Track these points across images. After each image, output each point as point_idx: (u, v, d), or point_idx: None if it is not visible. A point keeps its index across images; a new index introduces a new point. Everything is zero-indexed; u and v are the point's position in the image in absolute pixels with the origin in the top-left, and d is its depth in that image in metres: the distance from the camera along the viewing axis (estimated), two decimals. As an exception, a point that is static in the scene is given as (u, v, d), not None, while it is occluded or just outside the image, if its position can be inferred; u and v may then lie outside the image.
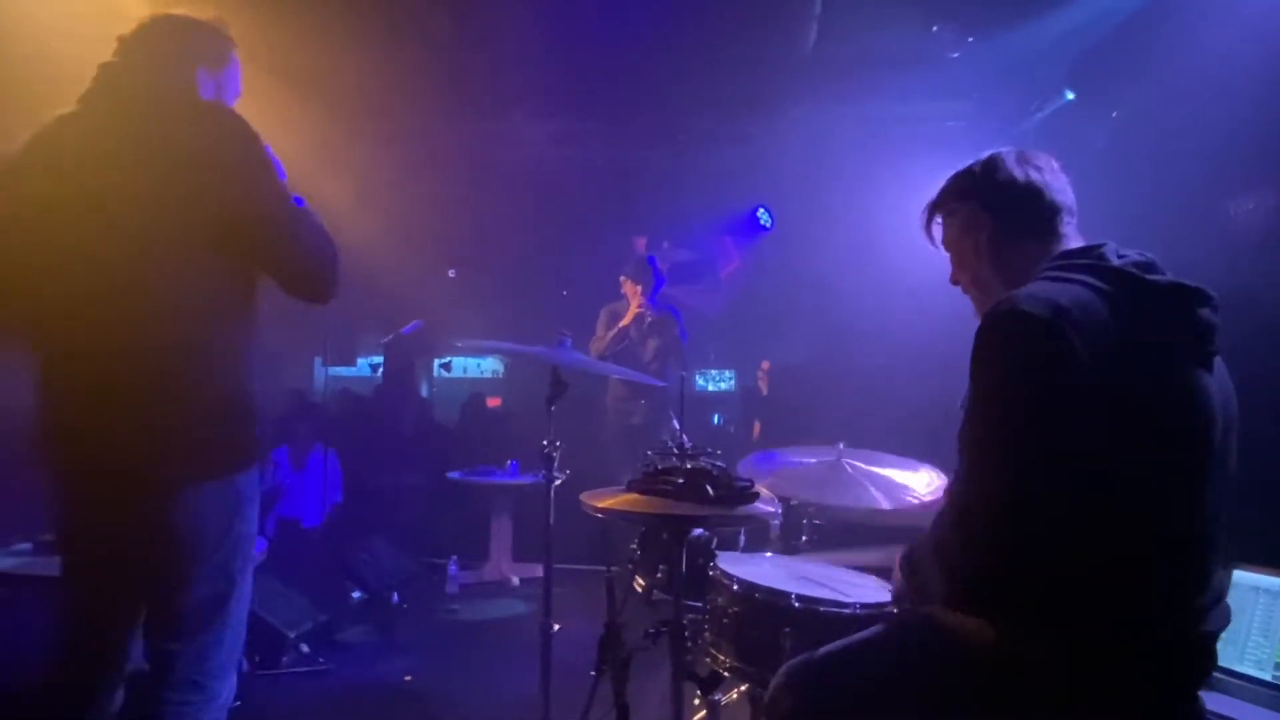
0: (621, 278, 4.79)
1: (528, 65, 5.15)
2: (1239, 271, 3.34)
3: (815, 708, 1.65)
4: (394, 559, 4.46)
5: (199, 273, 1.73)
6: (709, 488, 1.75)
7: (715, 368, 8.73)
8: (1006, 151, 1.66)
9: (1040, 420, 1.34)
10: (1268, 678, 2.15)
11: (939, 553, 1.49)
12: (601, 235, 6.73)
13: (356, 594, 4.06)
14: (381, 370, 7.35)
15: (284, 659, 3.45)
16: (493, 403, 7.90)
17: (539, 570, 5.20)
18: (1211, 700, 2.01)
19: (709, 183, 6.03)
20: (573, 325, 5.36)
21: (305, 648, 3.56)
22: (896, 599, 1.74)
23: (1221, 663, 2.24)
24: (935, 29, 3.78)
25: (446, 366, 8.50)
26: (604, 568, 4.55)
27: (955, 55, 3.92)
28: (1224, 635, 2.06)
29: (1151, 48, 3.48)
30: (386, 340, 5.04)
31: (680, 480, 1.79)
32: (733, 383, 8.51)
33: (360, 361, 8.60)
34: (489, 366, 9.44)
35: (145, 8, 2.04)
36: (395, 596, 4.10)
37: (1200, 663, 1.48)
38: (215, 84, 1.93)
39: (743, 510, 1.81)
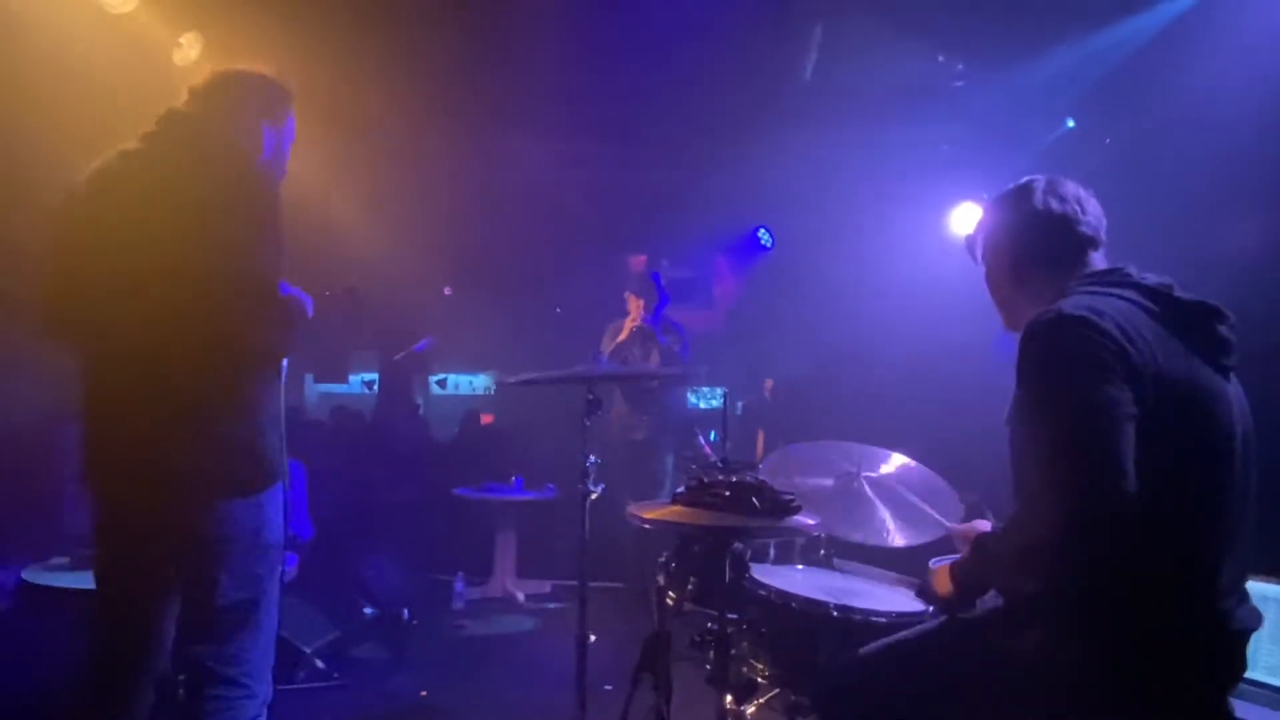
0: (626, 294, 4.87)
1: (532, 87, 5.24)
2: (1239, 293, 3.47)
3: (857, 706, 1.72)
4: (401, 575, 4.48)
5: (220, 320, 1.83)
6: (755, 500, 1.82)
7: (706, 385, 8.83)
8: (1039, 179, 1.77)
9: (1108, 409, 1.39)
10: (1279, 683, 2.25)
11: (1018, 538, 1.52)
12: (599, 254, 6.82)
13: (368, 610, 4.07)
14: (378, 387, 7.37)
15: (300, 674, 3.46)
16: (486, 419, 7.94)
17: (545, 587, 5.27)
18: (1239, 709, 2.10)
19: (709, 203, 6.15)
20: (570, 342, 5.43)
21: (320, 663, 3.57)
22: (936, 603, 1.79)
23: (1236, 670, 2.34)
24: (941, 59, 3.92)
25: (442, 383, 8.55)
26: (616, 584, 4.59)
27: (959, 84, 4.06)
28: None
29: (1152, 78, 3.62)
30: (398, 357, 5.06)
31: (727, 493, 1.86)
32: (722, 401, 8.59)
33: (352, 379, 8.63)
34: (481, 384, 9.48)
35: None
36: (405, 613, 4.11)
37: (1234, 661, 1.56)
38: (277, 135, 2.08)
39: (786, 522, 1.88)
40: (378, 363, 7.34)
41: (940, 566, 1.72)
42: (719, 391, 8.95)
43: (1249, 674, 2.28)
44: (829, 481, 2.74)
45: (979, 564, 1.62)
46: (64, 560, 2.60)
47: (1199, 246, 3.63)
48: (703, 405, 9.00)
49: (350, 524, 5.02)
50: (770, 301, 6.55)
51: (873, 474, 2.66)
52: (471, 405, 8.14)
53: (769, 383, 5.54)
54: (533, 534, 5.32)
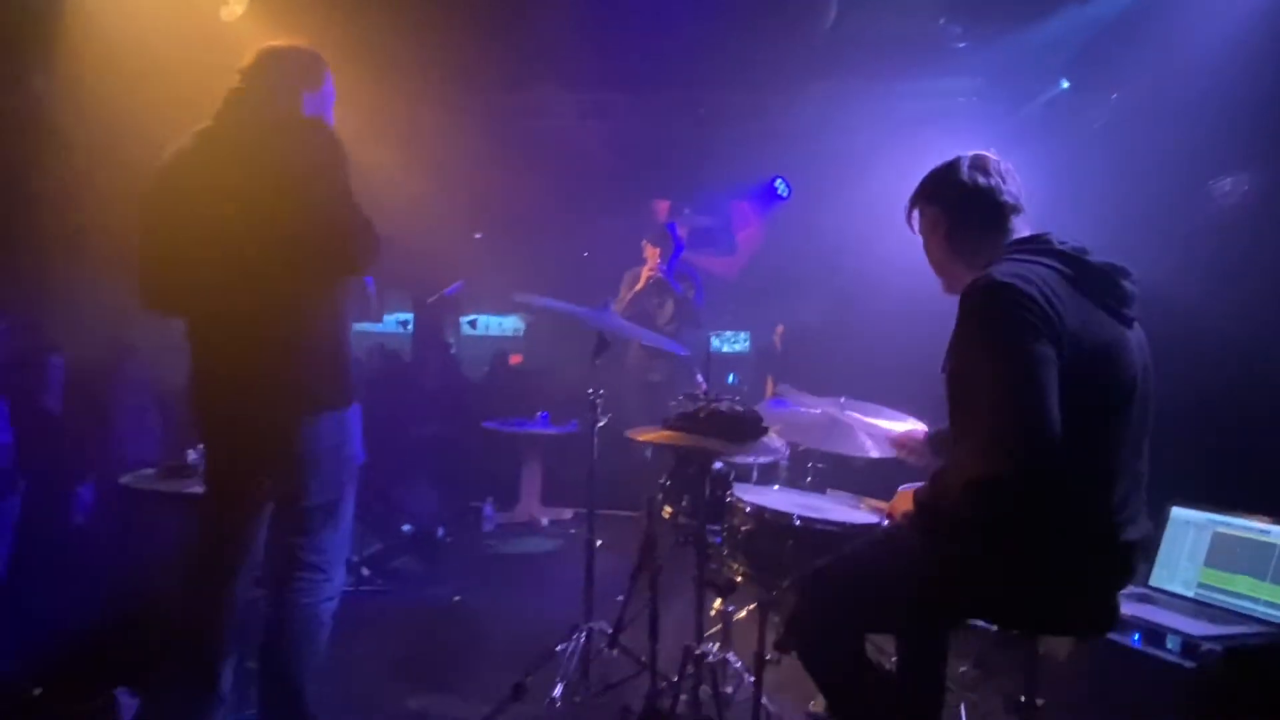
0: (643, 242, 5.21)
1: (557, 41, 5.50)
2: (1230, 245, 3.70)
3: (814, 608, 2.10)
4: (436, 499, 4.98)
5: (299, 258, 2.21)
6: (729, 424, 2.22)
7: (731, 329, 9.17)
8: (964, 158, 2.07)
9: (1037, 365, 1.69)
10: (1191, 595, 2.63)
11: (964, 473, 1.78)
12: (624, 201, 7.13)
13: (406, 528, 4.59)
14: (413, 327, 7.83)
15: (350, 579, 3.98)
16: (515, 359, 8.40)
17: (566, 513, 5.76)
18: (1149, 612, 2.50)
19: (729, 153, 6.40)
20: (594, 285, 5.78)
21: (366, 571, 4.09)
22: (902, 520, 2.12)
23: (1155, 584, 2.72)
24: (942, 21, 4.14)
25: (473, 324, 9.01)
26: (631, 512, 5.05)
27: (962, 45, 4.28)
28: (1160, 560, 2.57)
29: (1144, 39, 3.83)
30: (431, 300, 5.48)
31: (705, 418, 2.26)
32: (748, 344, 8.93)
33: (387, 319, 9.11)
34: (510, 325, 9.90)
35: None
36: (440, 531, 4.62)
37: (1124, 567, 1.90)
38: (317, 100, 2.41)
39: (754, 442, 2.27)
40: (412, 304, 7.79)
41: (905, 490, 2.08)
42: (743, 335, 9.32)
43: (1167, 586, 2.68)
44: (817, 410, 3.13)
45: (935, 491, 1.90)
46: (151, 471, 3.09)
47: (1191, 198, 3.87)
48: (726, 349, 9.38)
49: (390, 452, 5.54)
50: (788, 249, 6.85)
51: (855, 406, 3.04)
52: (501, 346, 8.60)
53: (779, 329, 5.89)
54: (556, 465, 5.80)
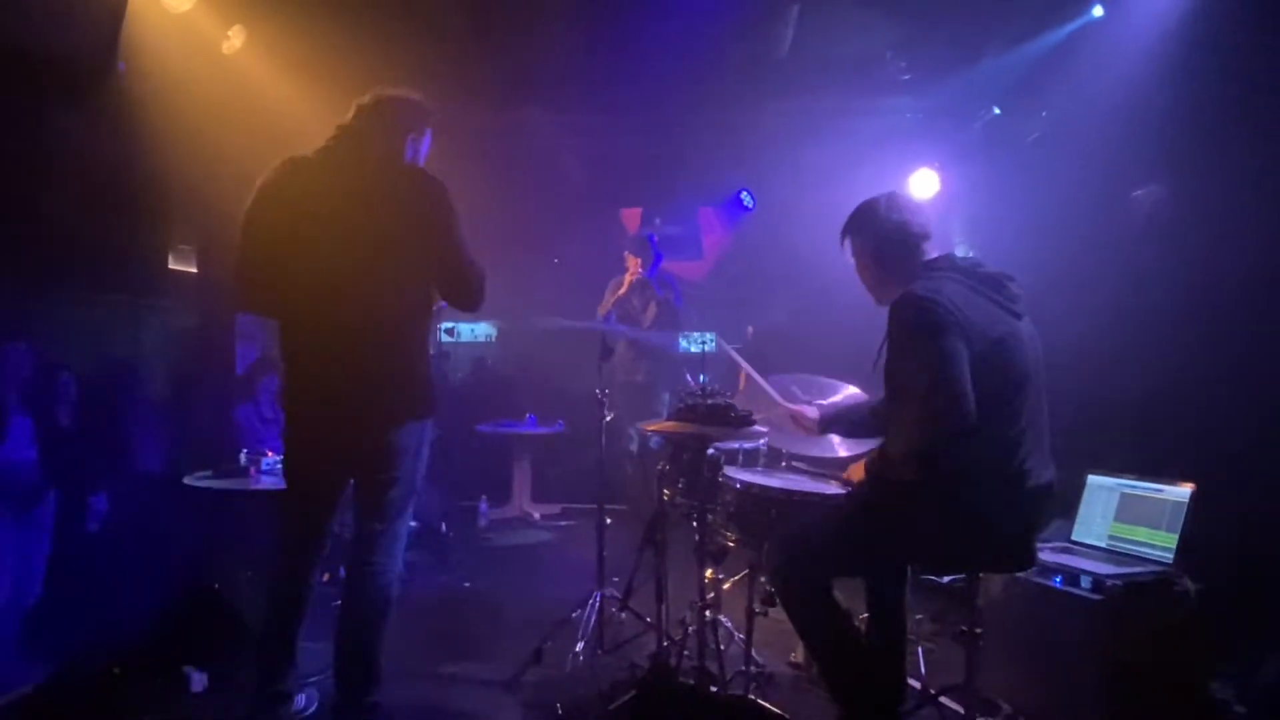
0: (625, 253, 5.73)
1: (532, 63, 5.98)
2: (1142, 249, 4.32)
3: (792, 559, 2.64)
4: (438, 497, 5.44)
5: (402, 288, 2.65)
6: (723, 415, 2.76)
7: (698, 330, 9.72)
8: (882, 197, 2.64)
9: (954, 358, 2.24)
10: (1103, 545, 3.24)
11: (903, 444, 2.36)
12: (595, 211, 7.66)
13: (413, 523, 5.04)
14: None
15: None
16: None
17: (556, 508, 6.26)
18: (1069, 560, 3.09)
19: (697, 167, 6.96)
20: (569, 293, 6.24)
21: (381, 563, 4.54)
22: (851, 482, 2.69)
23: (1076, 538, 3.33)
24: (889, 55, 4.74)
25: (450, 332, 9.43)
26: (621, 506, 5.54)
27: (906, 78, 4.88)
28: (1080, 518, 3.17)
29: (1068, 71, 4.46)
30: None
31: (705, 411, 2.80)
32: (713, 345, 9.50)
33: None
34: (482, 331, 10.33)
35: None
36: (444, 526, 5.09)
37: (1035, 513, 2.47)
38: (415, 146, 2.80)
39: (745, 429, 2.82)
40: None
41: (857, 465, 2.65)
42: (709, 336, 9.90)
43: (1084, 539, 3.29)
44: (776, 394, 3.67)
45: (882, 460, 2.45)
46: (208, 472, 3.53)
47: (1110, 208, 4.51)
48: (694, 349, 9.93)
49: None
50: (754, 255, 7.43)
51: (823, 402, 3.59)
52: (477, 352, 9.03)
53: (749, 329, 6.47)
54: (544, 463, 6.30)
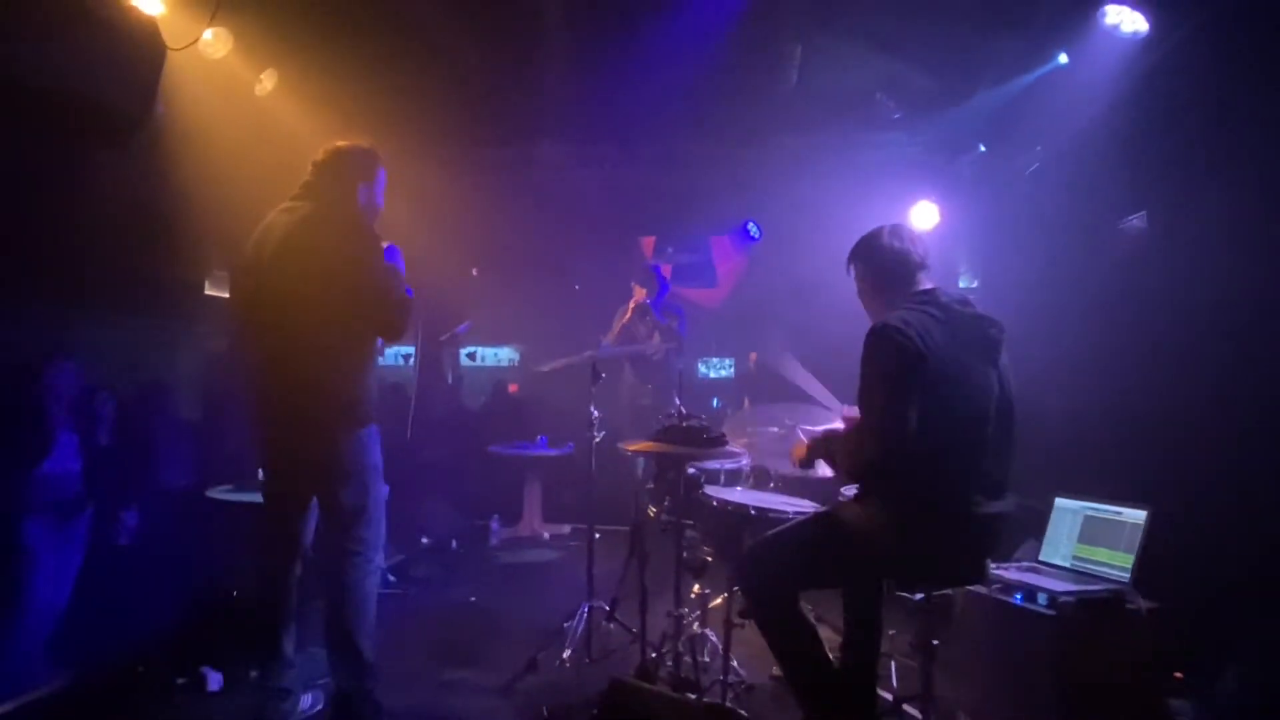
0: (633, 283, 6.00)
1: (552, 100, 6.30)
2: (1125, 275, 4.48)
3: (758, 572, 2.83)
4: (449, 515, 5.72)
5: (337, 317, 2.99)
6: (696, 436, 2.99)
7: (717, 356, 9.96)
8: (885, 228, 2.85)
9: (901, 385, 2.47)
10: (1067, 564, 3.39)
11: (851, 449, 2.61)
12: (612, 242, 7.95)
13: (425, 540, 5.32)
14: (414, 361, 8.58)
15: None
16: (512, 388, 9.16)
17: (565, 529, 6.50)
18: (1033, 578, 3.25)
19: (706, 198, 7.24)
20: (585, 319, 6.51)
21: (392, 578, 4.82)
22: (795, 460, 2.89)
23: (1043, 558, 3.49)
24: (879, 96, 4.98)
25: (472, 356, 9.77)
26: (624, 527, 5.76)
27: (897, 117, 5.11)
28: (1047, 539, 3.35)
29: (1051, 107, 4.66)
30: (444, 338, 6.23)
31: (678, 433, 3.03)
32: (732, 370, 9.73)
33: (390, 353, 9.85)
34: (505, 355, 10.64)
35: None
36: (454, 543, 5.35)
37: (986, 537, 2.67)
38: (369, 191, 3.22)
39: (717, 449, 3.04)
40: (415, 339, 8.53)
41: (798, 445, 2.87)
42: (728, 362, 10.12)
43: (1050, 559, 3.45)
44: (775, 429, 3.91)
45: (822, 446, 2.74)
46: (229, 486, 3.84)
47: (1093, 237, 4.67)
48: (713, 375, 10.17)
49: (405, 475, 6.28)
50: (763, 283, 7.67)
51: (809, 426, 3.81)
52: (499, 376, 9.36)
53: (753, 355, 6.68)
54: (555, 484, 6.54)
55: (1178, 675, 3.18)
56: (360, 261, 3.02)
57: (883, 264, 2.78)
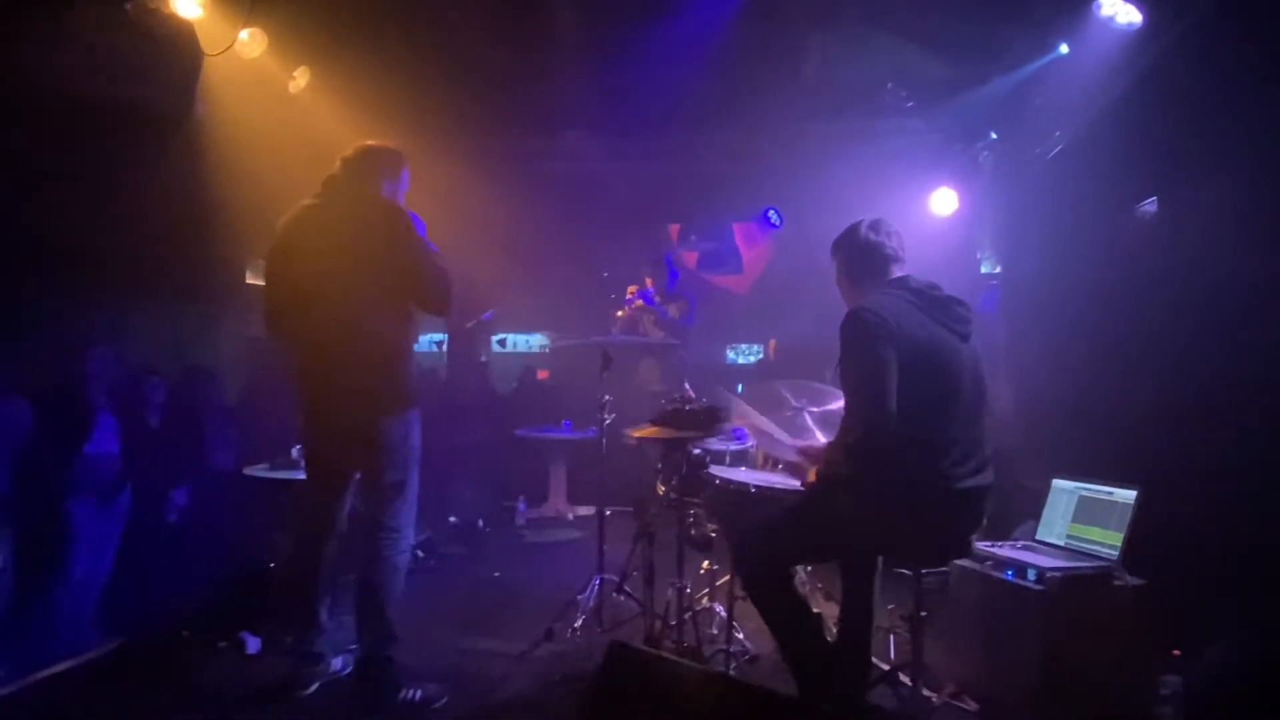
0: (644, 275, 6.15)
1: (580, 93, 6.47)
2: (1132, 262, 4.54)
3: (751, 546, 2.99)
4: (476, 495, 5.97)
5: (381, 303, 3.20)
6: (695, 418, 3.17)
7: (745, 342, 10.09)
8: (864, 221, 3.00)
9: (879, 365, 2.61)
10: (1061, 543, 3.51)
11: (841, 439, 2.74)
12: (638, 230, 8.13)
13: (452, 519, 5.58)
14: (446, 347, 8.85)
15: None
16: (542, 375, 9.39)
17: (589, 510, 6.70)
18: (1026, 556, 3.38)
19: (728, 186, 7.37)
20: (613, 304, 6.69)
21: (421, 553, 5.08)
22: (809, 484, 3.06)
23: (1039, 537, 3.61)
24: (890, 86, 5.08)
25: (502, 343, 10.02)
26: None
27: (910, 105, 5.21)
28: (1044, 519, 3.48)
29: (1065, 93, 4.72)
30: (470, 324, 6.46)
31: (677, 415, 3.21)
32: (760, 355, 9.86)
33: (423, 339, 10.13)
34: (536, 342, 10.85)
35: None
36: (480, 522, 5.60)
37: (968, 511, 2.80)
38: (392, 187, 3.42)
39: (715, 430, 3.22)
40: (446, 326, 8.79)
41: (812, 469, 3.01)
42: (755, 348, 10.24)
43: (1045, 538, 3.57)
44: (785, 413, 4.04)
45: (828, 458, 2.85)
46: (265, 465, 4.12)
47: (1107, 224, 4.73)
48: (740, 361, 10.30)
49: (435, 457, 6.55)
50: (787, 270, 7.79)
51: (815, 409, 3.95)
52: (529, 361, 9.58)
53: (772, 342, 6.82)
54: (579, 466, 6.77)
55: (1175, 652, 3.29)
56: (403, 241, 3.21)
57: (859, 256, 2.93)
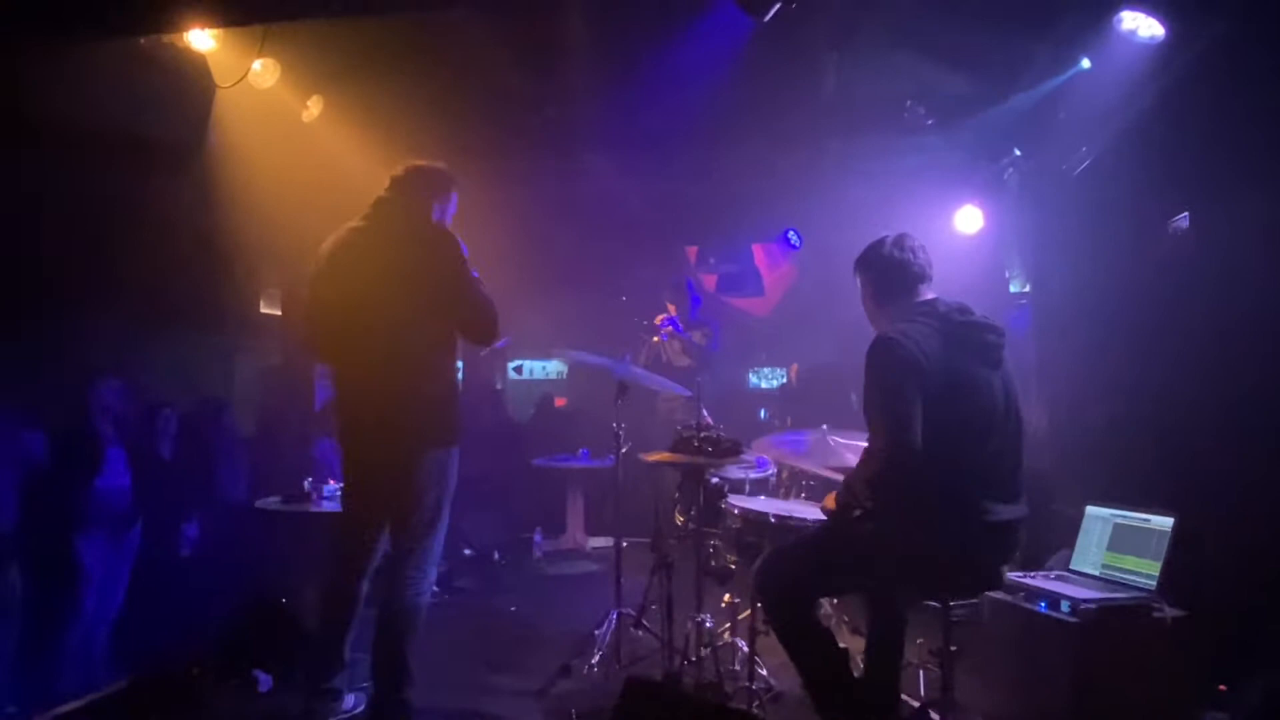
0: (666, 301, 6.17)
1: (595, 113, 6.52)
2: (1165, 280, 4.50)
3: (772, 578, 2.96)
4: (492, 527, 5.98)
5: (428, 331, 3.19)
6: (710, 445, 3.16)
7: (768, 366, 10.05)
8: (889, 237, 2.98)
9: (904, 397, 2.60)
10: (1096, 573, 3.46)
11: (863, 472, 2.72)
12: (656, 251, 8.16)
13: (467, 551, 5.58)
14: (461, 374, 8.90)
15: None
16: (559, 402, 9.40)
17: (608, 541, 6.68)
18: (1060, 587, 3.33)
19: (747, 206, 7.39)
20: (633, 329, 6.70)
21: (435, 588, 5.06)
22: (827, 510, 3.05)
23: (1073, 567, 3.56)
24: (909, 103, 5.09)
25: (518, 370, 10.07)
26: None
27: (930, 123, 5.22)
28: (1078, 548, 3.44)
29: (1091, 109, 4.70)
30: (484, 353, 6.50)
31: (693, 442, 3.21)
32: (784, 380, 9.82)
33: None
34: (553, 369, 10.86)
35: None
36: (496, 554, 5.60)
37: (1002, 540, 2.76)
38: (441, 208, 3.40)
39: (733, 459, 3.21)
40: (461, 352, 8.82)
41: (830, 494, 2.99)
42: (779, 372, 10.20)
43: (1080, 568, 3.51)
44: (808, 438, 4.02)
45: (845, 490, 2.84)
46: (277, 498, 4.16)
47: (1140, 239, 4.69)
48: (764, 385, 10.27)
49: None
50: (806, 292, 7.77)
51: (838, 437, 3.93)
52: (545, 389, 9.59)
53: (794, 366, 6.79)
54: (599, 496, 6.76)
55: (1221, 688, 3.22)
56: (454, 267, 3.17)
57: (883, 274, 2.90)
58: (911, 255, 2.90)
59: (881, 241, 2.95)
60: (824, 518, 3.27)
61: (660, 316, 5.91)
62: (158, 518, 4.86)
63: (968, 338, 2.75)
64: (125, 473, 4.73)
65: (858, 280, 3.05)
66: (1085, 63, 4.23)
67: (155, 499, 4.84)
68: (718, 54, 5.81)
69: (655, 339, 5.88)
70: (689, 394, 3.84)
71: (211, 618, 4.10)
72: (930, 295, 2.88)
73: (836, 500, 2.89)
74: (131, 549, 4.68)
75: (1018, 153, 5.23)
